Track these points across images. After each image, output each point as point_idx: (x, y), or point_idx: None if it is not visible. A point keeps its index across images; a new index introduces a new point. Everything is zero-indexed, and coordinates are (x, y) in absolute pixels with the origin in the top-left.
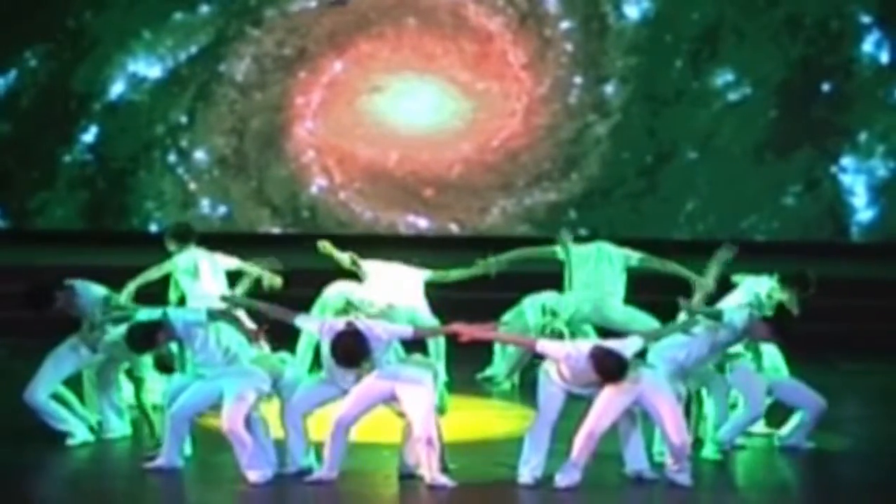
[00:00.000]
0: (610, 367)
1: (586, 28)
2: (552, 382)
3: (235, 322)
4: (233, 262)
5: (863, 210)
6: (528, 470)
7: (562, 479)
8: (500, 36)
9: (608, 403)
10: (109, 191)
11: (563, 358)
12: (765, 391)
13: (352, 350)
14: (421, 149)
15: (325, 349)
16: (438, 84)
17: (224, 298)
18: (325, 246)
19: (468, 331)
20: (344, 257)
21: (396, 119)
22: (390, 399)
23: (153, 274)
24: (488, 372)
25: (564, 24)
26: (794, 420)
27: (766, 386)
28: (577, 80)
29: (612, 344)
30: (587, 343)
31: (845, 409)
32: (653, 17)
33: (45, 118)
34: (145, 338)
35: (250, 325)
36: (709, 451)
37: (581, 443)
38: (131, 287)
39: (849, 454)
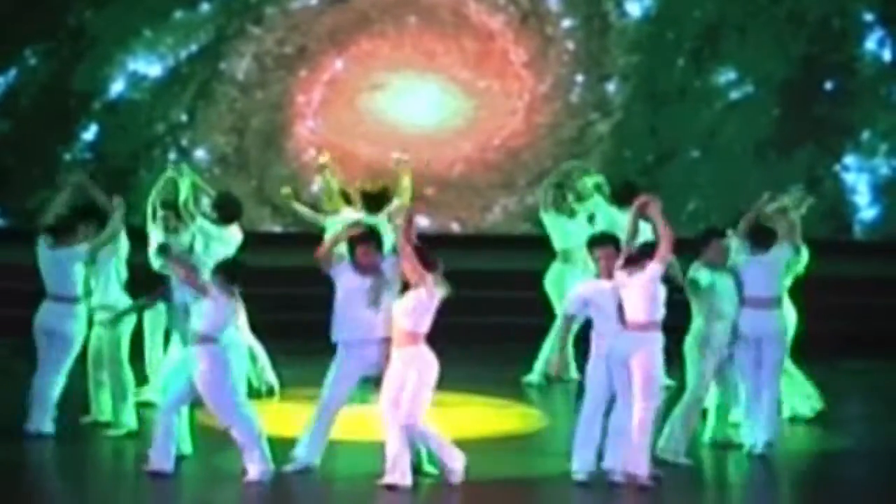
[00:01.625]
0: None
1: (588, 26)
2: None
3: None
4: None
5: (865, 209)
6: (582, 465)
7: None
8: (501, 34)
9: (644, 384)
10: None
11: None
12: None
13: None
14: (422, 147)
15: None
16: (439, 82)
17: None
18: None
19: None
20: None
21: (397, 117)
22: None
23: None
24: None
25: (566, 22)
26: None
27: None
28: (579, 78)
29: None
30: None
31: (847, 408)
32: (654, 15)
33: (46, 116)
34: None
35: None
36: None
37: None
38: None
39: (850, 453)
